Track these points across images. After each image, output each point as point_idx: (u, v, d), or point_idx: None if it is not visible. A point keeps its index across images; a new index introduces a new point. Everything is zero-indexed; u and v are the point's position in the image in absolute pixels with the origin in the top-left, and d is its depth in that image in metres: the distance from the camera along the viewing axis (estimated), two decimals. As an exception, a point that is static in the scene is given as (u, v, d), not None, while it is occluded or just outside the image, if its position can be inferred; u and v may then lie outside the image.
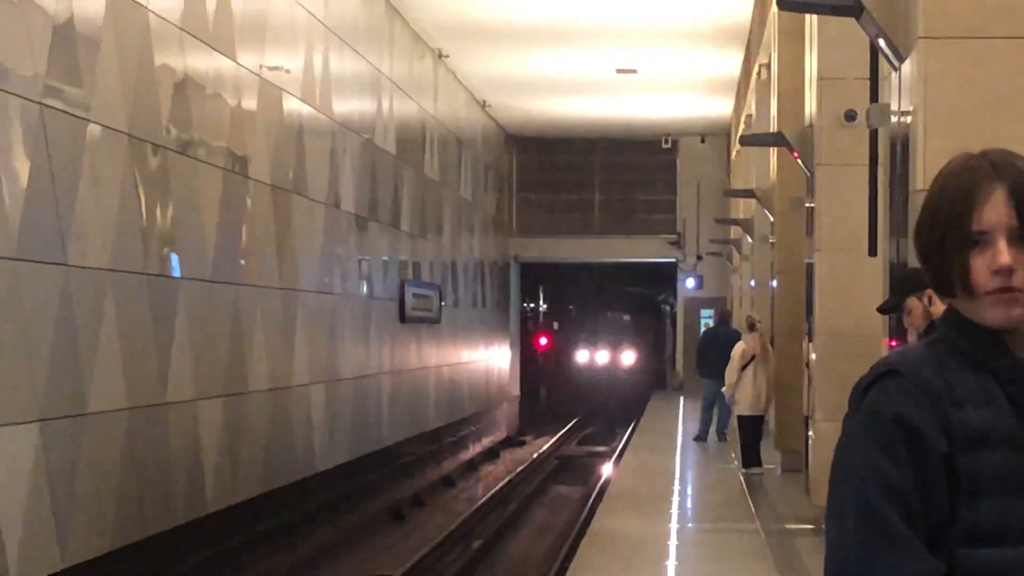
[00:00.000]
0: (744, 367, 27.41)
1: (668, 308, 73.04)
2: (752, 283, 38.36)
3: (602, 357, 75.55)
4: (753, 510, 21.98)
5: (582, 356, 75.67)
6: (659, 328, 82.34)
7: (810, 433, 20.79)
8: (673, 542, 18.70)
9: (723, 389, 29.06)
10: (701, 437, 32.00)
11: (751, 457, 27.35)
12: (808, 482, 20.44)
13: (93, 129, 16.67)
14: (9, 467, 14.80)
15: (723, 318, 35.91)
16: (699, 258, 55.68)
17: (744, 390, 27.55)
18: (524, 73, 41.63)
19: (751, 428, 27.73)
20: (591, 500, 29.85)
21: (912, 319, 9.98)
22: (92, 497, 16.59)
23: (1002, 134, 10.89)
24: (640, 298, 76.98)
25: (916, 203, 11.27)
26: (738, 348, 28.11)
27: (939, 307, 9.61)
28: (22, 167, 15.05)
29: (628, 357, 75.95)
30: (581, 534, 20.97)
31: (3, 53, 14.57)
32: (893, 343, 12.82)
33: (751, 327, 29.14)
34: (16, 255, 14.77)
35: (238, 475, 21.59)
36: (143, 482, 18.03)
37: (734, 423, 29.07)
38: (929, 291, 9.68)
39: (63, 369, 15.84)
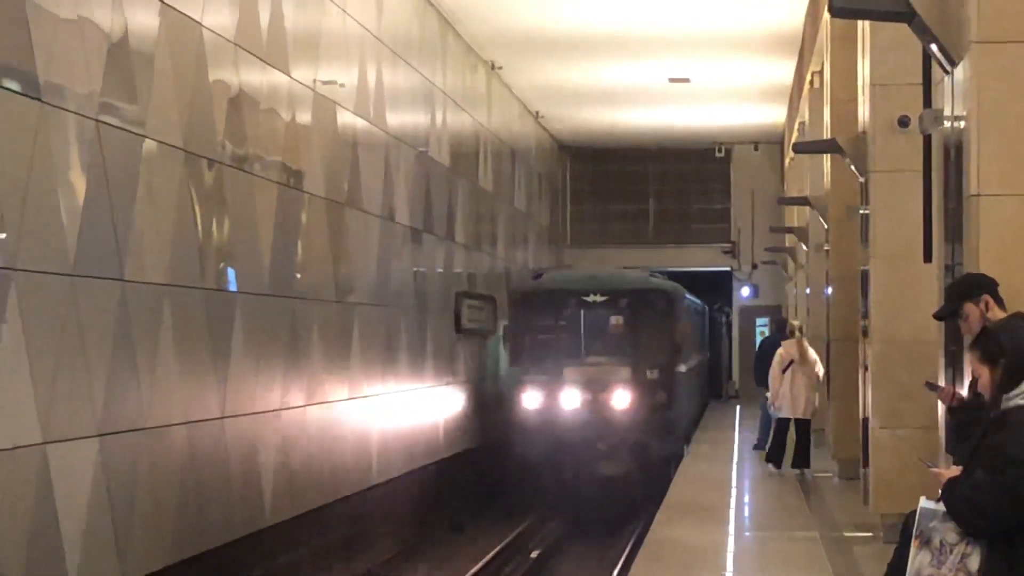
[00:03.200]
0: (784, 371, 27.98)
1: (724, 317, 61.55)
2: (807, 291, 38.35)
3: (570, 398, 34.90)
4: (809, 518, 21.96)
5: (531, 399, 35.08)
6: (700, 335, 51.79)
7: (867, 440, 20.78)
8: (731, 550, 18.68)
9: (767, 394, 29.74)
10: (761, 446, 31.93)
11: (801, 461, 28.13)
12: (866, 489, 20.37)
13: (149, 145, 16.73)
14: (70, 482, 14.87)
15: (779, 326, 35.91)
16: (754, 267, 55.58)
17: (783, 394, 28.27)
18: (577, 84, 41.66)
19: (792, 431, 28.54)
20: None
21: (969, 324, 9.94)
22: (151, 512, 16.74)
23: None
24: (645, 291, 37.55)
25: (971, 208, 11.26)
26: (778, 354, 28.72)
27: (996, 312, 9.61)
28: (79, 183, 15.10)
29: (620, 396, 35.13)
30: (638, 544, 20.91)
31: (59, 71, 14.63)
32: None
33: (790, 333, 30.16)
34: (73, 271, 14.83)
35: (294, 487, 21.68)
36: (201, 496, 18.14)
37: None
38: (986, 296, 9.68)
39: (122, 384, 15.91)
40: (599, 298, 34.19)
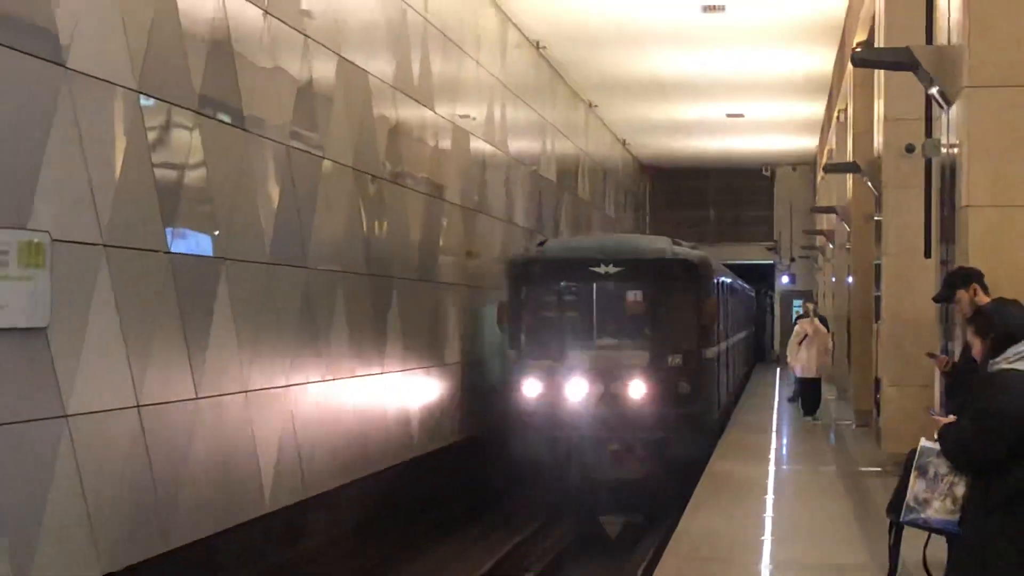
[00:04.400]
0: (800, 343, 28.07)
1: (768, 299, 59.13)
2: (833, 279, 38.18)
3: (576, 390, 22.63)
4: (833, 456, 21.91)
5: (530, 389, 22.82)
6: (748, 312, 46.95)
7: (879, 395, 20.75)
8: (771, 481, 18.66)
9: (787, 360, 29.75)
10: (793, 399, 31.83)
11: (809, 409, 28.17)
12: (878, 433, 20.31)
13: (327, 164, 16.86)
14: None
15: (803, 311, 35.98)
16: (792, 260, 55.41)
17: (800, 360, 28.24)
18: (655, 118, 41.53)
19: (808, 387, 28.50)
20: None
21: (961, 307, 9.89)
22: (333, 442, 16.94)
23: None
24: (666, 260, 23.58)
25: (961, 217, 11.24)
26: (795, 330, 28.80)
27: (982, 297, 9.56)
28: (274, 193, 15.28)
29: (636, 387, 22.56)
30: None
31: (261, 108, 14.79)
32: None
33: (805, 314, 29.82)
34: (270, 260, 15.03)
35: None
36: (366, 432, 18.21)
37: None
38: (975, 284, 9.64)
39: (306, 349, 16.06)
40: (611, 269, 21.66)
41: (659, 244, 23.44)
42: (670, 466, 20.93)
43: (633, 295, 22.64)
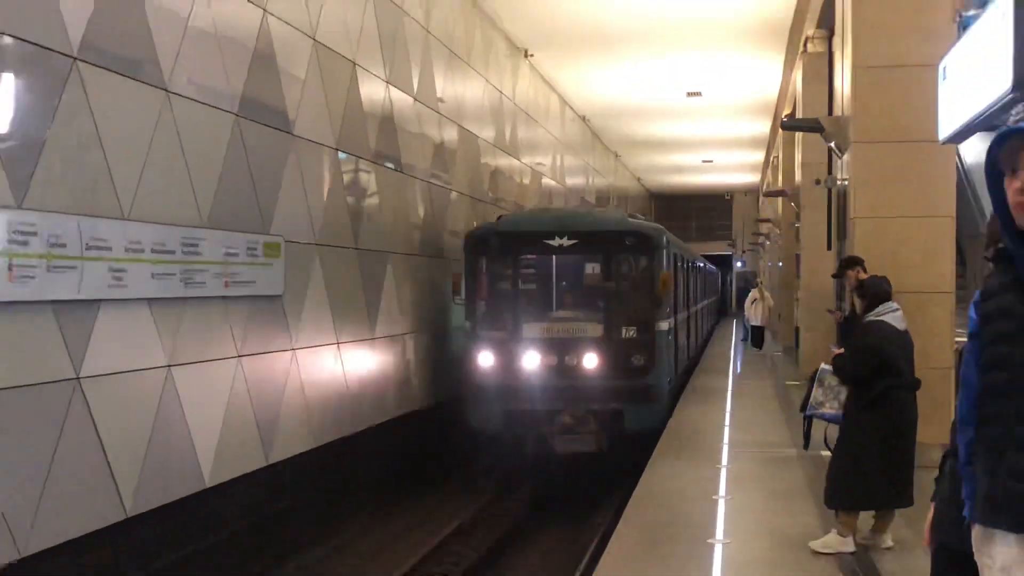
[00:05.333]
0: (752, 303, 28.15)
1: (729, 276, 56.28)
2: (769, 264, 37.94)
3: (529, 361, 14.36)
4: (769, 373, 21.87)
5: (485, 360, 14.49)
6: (718, 285, 44.91)
7: (798, 336, 20.67)
8: (730, 389, 18.62)
9: (745, 314, 29.68)
10: (745, 339, 31.70)
11: (757, 344, 28.16)
12: (797, 360, 20.23)
13: (452, 194, 16.94)
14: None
15: (747, 282, 36.31)
16: (743, 252, 54.99)
17: (754, 314, 28.10)
18: (658, 163, 41.23)
19: (756, 331, 28.40)
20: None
21: (849, 281, 9.79)
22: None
23: (894, 196, 10.80)
24: (621, 232, 14.82)
25: (850, 224, 11.21)
26: (749, 294, 28.77)
27: (862, 275, 9.36)
28: (420, 211, 15.37)
29: (589, 359, 14.25)
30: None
31: (412, 158, 14.83)
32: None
33: (755, 285, 29.85)
34: (418, 252, 15.03)
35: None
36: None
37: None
38: (858, 267, 9.45)
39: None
40: (566, 241, 14.81)
41: (614, 216, 15.73)
42: (623, 438, 14.04)
43: (588, 267, 15.54)
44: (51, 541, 7.30)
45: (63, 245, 7.32)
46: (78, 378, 7.60)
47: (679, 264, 17.98)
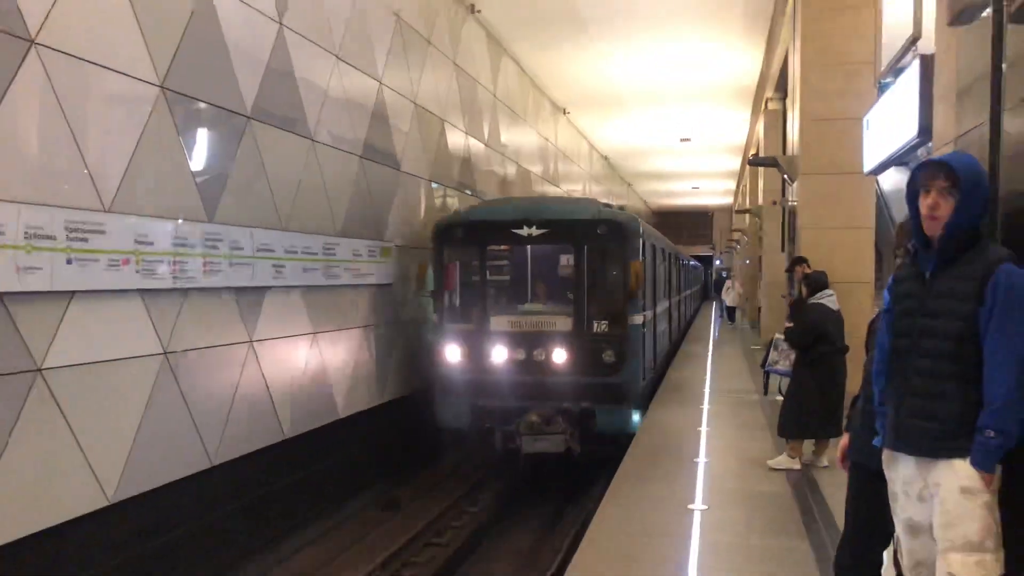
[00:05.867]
0: (727, 290, 28.02)
1: (710, 271, 53.32)
2: (741, 261, 37.44)
3: (496, 356, 8.89)
4: (739, 340, 21.63)
5: (451, 355, 9.10)
6: (701, 277, 39.05)
7: (759, 313, 20.42)
8: (710, 352, 18.39)
9: (723, 296, 29.15)
10: (722, 316, 31.37)
11: (731, 319, 27.74)
12: (759, 331, 19.98)
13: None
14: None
15: (722, 275, 35.58)
16: (721, 252, 54.28)
17: (727, 298, 27.91)
18: (659, 189, 40.70)
19: (731, 311, 27.94)
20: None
21: (796, 274, 9.59)
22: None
23: (830, 213, 10.67)
24: (593, 221, 9.09)
25: (799, 233, 11.09)
26: (725, 283, 28.78)
27: (807, 269, 9.15)
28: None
29: (558, 355, 8.85)
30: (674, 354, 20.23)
31: (484, 186, 14.55)
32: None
33: (728, 277, 30.44)
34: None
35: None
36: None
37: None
38: (804, 264, 9.22)
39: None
40: (535, 231, 9.07)
41: (587, 205, 10.47)
42: (593, 438, 9.54)
43: (558, 258, 10.60)
44: (235, 453, 7.38)
45: (241, 248, 7.45)
46: (251, 342, 7.71)
47: (659, 257, 13.10)
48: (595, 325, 9.61)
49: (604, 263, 9.94)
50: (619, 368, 9.53)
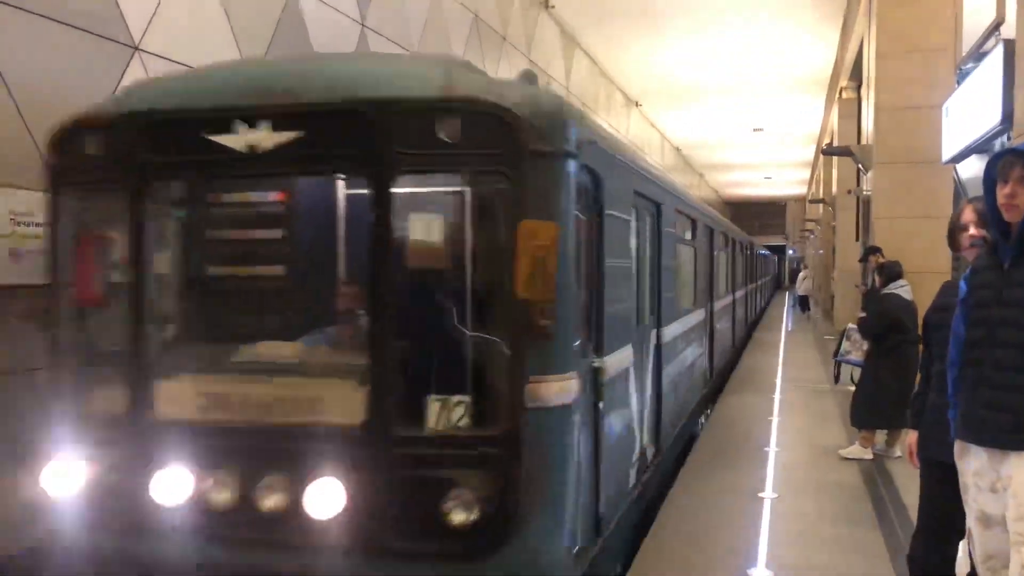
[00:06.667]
0: (802, 279, 27.39)
1: (784, 260, 52.86)
2: (814, 252, 36.82)
3: (174, 484, 1.62)
4: (812, 329, 21.26)
5: (57, 475, 1.67)
6: (774, 268, 34.13)
7: (833, 303, 20.06)
8: (783, 341, 18.18)
9: (796, 287, 28.72)
10: (795, 306, 30.85)
11: (804, 309, 26.95)
12: (832, 321, 19.61)
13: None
14: None
15: (798, 265, 35.02)
16: (794, 243, 53.40)
17: (802, 287, 27.26)
18: (733, 179, 40.30)
19: (804, 300, 27.19)
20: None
21: (870, 264, 9.57)
22: None
23: (904, 203, 10.48)
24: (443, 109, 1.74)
25: (873, 223, 10.90)
26: (800, 274, 28.09)
27: (881, 259, 9.10)
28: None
29: (330, 488, 1.81)
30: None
31: None
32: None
33: (803, 267, 29.66)
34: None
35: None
36: None
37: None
38: (878, 253, 9.12)
39: None
40: (269, 136, 1.38)
41: (417, 68, 2.31)
42: None
43: (344, 220, 2.65)
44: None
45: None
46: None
47: (698, 232, 8.12)
48: (433, 412, 3.16)
49: (460, 232, 3.24)
50: (497, 544, 3.14)
